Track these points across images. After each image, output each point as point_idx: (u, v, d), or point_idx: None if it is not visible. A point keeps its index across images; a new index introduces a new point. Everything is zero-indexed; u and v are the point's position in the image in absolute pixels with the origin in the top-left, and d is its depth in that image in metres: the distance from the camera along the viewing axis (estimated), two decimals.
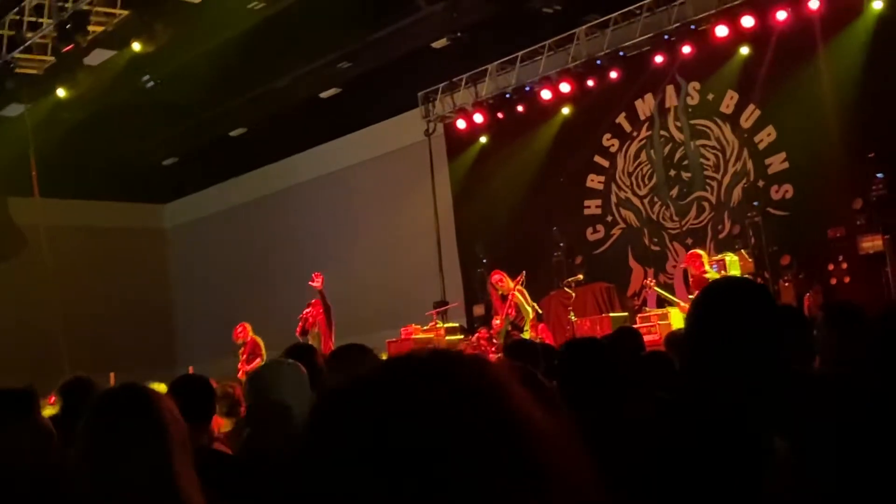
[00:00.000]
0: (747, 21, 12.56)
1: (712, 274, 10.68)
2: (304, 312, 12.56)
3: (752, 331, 2.13)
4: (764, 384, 2.08)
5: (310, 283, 12.24)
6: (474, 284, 15.61)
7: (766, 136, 13.11)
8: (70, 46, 11.69)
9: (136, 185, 20.85)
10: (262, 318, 18.13)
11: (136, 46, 11.30)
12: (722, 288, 2.37)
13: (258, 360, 13.02)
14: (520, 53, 15.29)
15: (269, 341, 12.65)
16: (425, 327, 13.74)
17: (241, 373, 12.31)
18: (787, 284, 11.49)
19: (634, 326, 9.95)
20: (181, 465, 2.14)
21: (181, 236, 23.43)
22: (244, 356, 13.35)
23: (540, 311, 12.06)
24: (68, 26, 11.44)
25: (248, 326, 13.49)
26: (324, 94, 17.88)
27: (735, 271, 11.08)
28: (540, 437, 0.90)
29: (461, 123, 16.18)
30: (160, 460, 2.11)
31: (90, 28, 11.52)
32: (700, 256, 11.10)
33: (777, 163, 12.98)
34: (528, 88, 15.11)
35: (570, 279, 12.84)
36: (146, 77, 15.27)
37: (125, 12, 11.47)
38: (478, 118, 15.87)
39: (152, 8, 11.05)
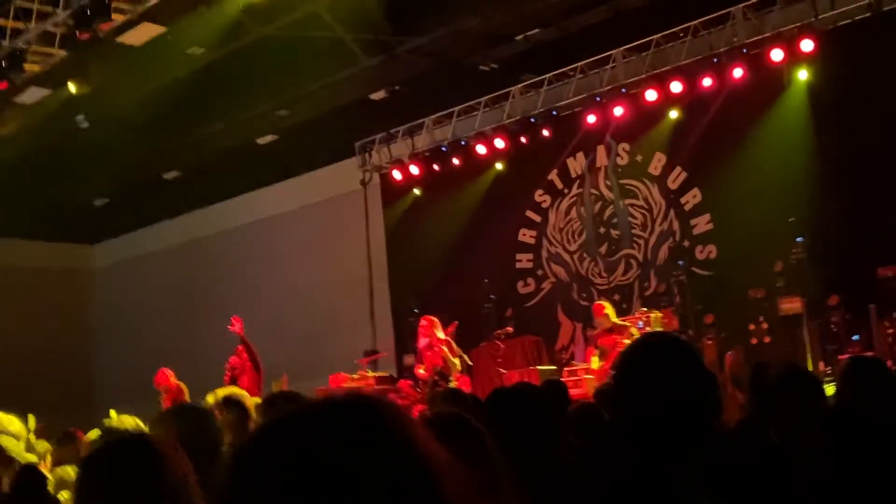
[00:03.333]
0: (676, 86, 13.02)
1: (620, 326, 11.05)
2: (231, 360, 12.47)
3: (680, 386, 2.20)
4: (689, 440, 2.16)
5: (229, 328, 12.15)
6: (405, 334, 15.62)
7: (692, 197, 13.53)
8: (4, 85, 11.54)
9: (65, 225, 20.47)
10: (188, 363, 17.85)
11: (72, 87, 11.19)
12: (652, 344, 2.40)
13: None
14: (456, 108, 15.57)
15: (195, 387, 12.47)
16: (354, 376, 13.69)
17: None
18: (709, 342, 11.78)
19: (562, 380, 10.09)
20: None
21: (109, 278, 22.99)
22: (166, 403, 13.13)
23: (470, 363, 12.13)
24: (3, 65, 11.32)
25: (170, 372, 13.31)
26: (260, 140, 17.89)
27: (658, 328, 11.35)
28: (441, 473, 0.97)
29: (397, 174, 16.33)
30: None
31: (26, 67, 11.41)
32: (603, 307, 11.36)
33: (702, 224, 13.40)
34: (463, 142, 15.36)
35: (499, 331, 12.96)
36: (80, 117, 15.11)
37: (62, 52, 11.39)
38: (414, 170, 16.04)
39: (90, 49, 10.99)
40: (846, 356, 9.23)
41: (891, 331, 10.12)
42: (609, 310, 11.32)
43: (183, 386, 13.24)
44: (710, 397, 2.31)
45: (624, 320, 11.60)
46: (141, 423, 4.26)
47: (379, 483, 0.92)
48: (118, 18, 10.90)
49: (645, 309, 12.32)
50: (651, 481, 2.09)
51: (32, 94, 13.37)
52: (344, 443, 0.94)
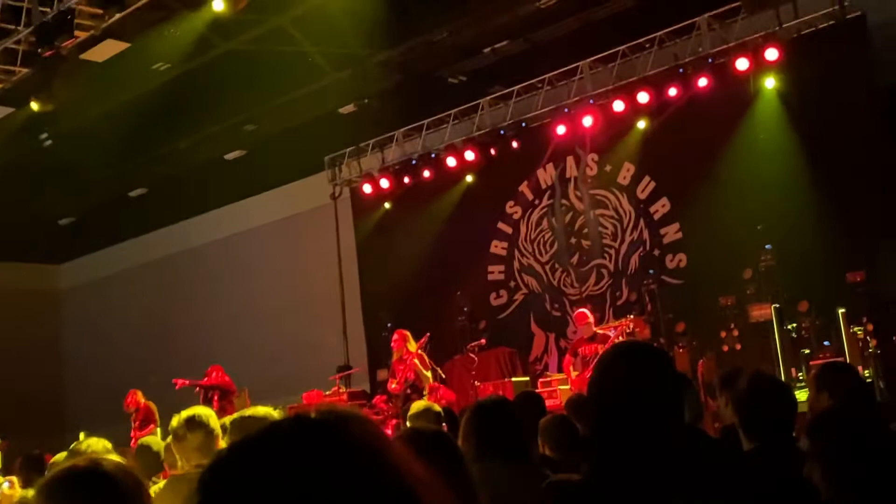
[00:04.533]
0: (643, 97, 13.10)
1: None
2: (204, 381, 12.54)
3: (656, 393, 2.18)
4: (668, 445, 2.14)
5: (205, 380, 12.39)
6: (378, 349, 15.54)
7: (661, 206, 13.60)
8: None
9: (29, 245, 20.19)
10: (158, 382, 17.63)
11: (35, 105, 11.03)
12: (627, 351, 2.37)
13: (151, 426, 12.70)
14: (426, 121, 15.56)
15: (165, 406, 12.32)
16: (328, 392, 13.59)
17: (133, 441, 11.96)
18: (681, 350, 11.82)
19: (536, 391, 10.06)
20: None
21: (76, 298, 22.70)
22: (136, 423, 13.01)
23: (443, 376, 12.08)
24: None
25: (139, 393, 13.21)
26: (228, 156, 17.77)
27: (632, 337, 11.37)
28: (421, 491, 0.94)
29: (367, 188, 16.28)
30: None
31: None
32: (587, 316, 11.39)
33: (671, 233, 13.46)
34: (433, 155, 15.35)
35: (473, 344, 12.93)
36: (44, 135, 14.93)
37: (25, 70, 11.23)
38: (384, 183, 16.00)
39: (53, 67, 10.83)
40: (818, 362, 9.29)
41: (861, 335, 10.19)
42: (591, 319, 11.35)
43: (152, 405, 13.13)
44: (683, 403, 2.31)
45: (606, 329, 11.59)
46: (109, 445, 4.17)
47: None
48: (81, 35, 10.74)
49: (632, 316, 12.27)
50: (628, 489, 2.07)
51: None
52: (314, 466, 0.91)
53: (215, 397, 12.55)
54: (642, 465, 2.09)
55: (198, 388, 12.83)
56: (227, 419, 4.50)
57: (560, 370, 13.52)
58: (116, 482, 1.96)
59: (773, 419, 3.36)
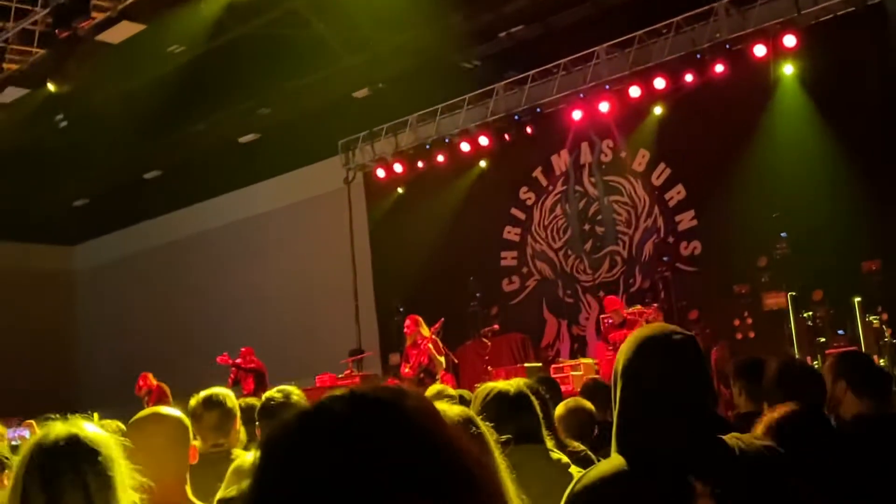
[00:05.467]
0: (659, 83, 13.01)
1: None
2: (237, 361, 12.65)
3: (688, 377, 2.16)
4: (695, 429, 2.12)
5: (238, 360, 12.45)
6: (390, 333, 15.57)
7: (676, 193, 13.54)
8: None
9: (44, 227, 20.28)
10: (172, 364, 17.73)
11: (51, 86, 11.06)
12: (655, 335, 2.28)
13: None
14: (440, 106, 15.51)
15: (179, 387, 12.38)
16: (340, 376, 13.62)
17: None
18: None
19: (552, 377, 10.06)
20: None
21: (90, 279, 22.81)
22: (150, 404, 13.08)
23: (455, 361, 12.09)
24: None
25: (150, 375, 13.29)
26: (242, 139, 17.79)
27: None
28: (472, 457, 0.95)
29: (381, 172, 16.27)
30: None
31: (4, 66, 11.27)
32: (616, 300, 11.43)
33: (686, 220, 13.41)
34: (447, 140, 15.32)
35: (486, 329, 12.93)
36: (60, 116, 14.96)
37: (41, 51, 11.26)
38: (397, 168, 15.98)
39: (69, 48, 10.87)
40: (833, 350, 9.26)
41: (876, 325, 10.14)
42: (621, 304, 11.36)
43: (165, 387, 13.20)
44: (710, 396, 2.28)
45: (634, 314, 11.50)
46: (123, 427, 4.18)
47: (423, 483, 0.89)
48: (97, 16, 10.77)
49: (656, 305, 12.18)
50: (659, 474, 2.06)
51: (10, 94, 13.22)
52: (375, 440, 0.91)
53: (251, 379, 12.62)
54: (674, 450, 2.09)
55: (235, 369, 12.84)
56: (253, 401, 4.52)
57: (572, 356, 13.53)
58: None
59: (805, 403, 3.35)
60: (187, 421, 3.02)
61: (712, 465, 2.07)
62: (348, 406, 0.94)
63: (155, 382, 13.30)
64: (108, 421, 4.32)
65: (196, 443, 3.11)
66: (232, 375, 12.80)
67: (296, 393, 4.05)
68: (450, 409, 2.16)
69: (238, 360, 12.81)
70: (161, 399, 13.09)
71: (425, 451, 0.91)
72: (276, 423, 0.97)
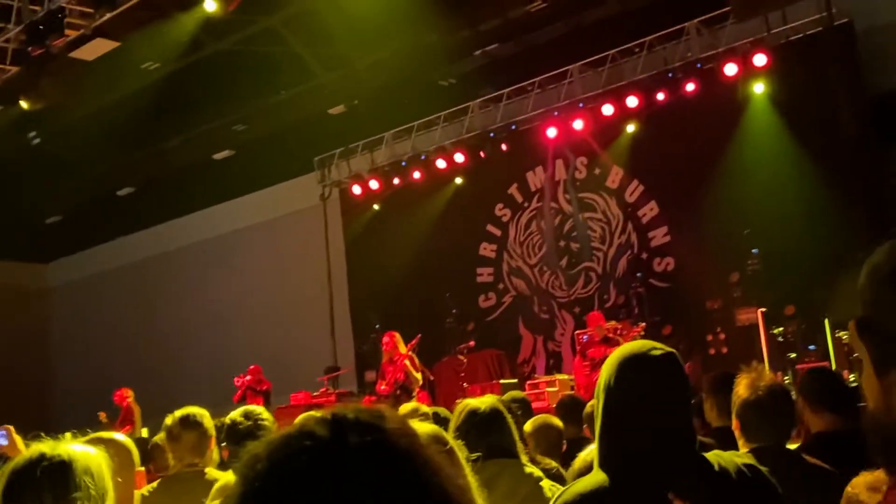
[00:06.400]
0: (632, 101, 13.15)
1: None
2: (245, 380, 12.59)
3: (669, 393, 2.19)
4: (675, 445, 2.15)
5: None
6: (366, 349, 15.55)
7: (649, 210, 13.66)
8: None
9: (17, 244, 20.09)
10: (146, 380, 17.59)
11: (24, 104, 11.00)
12: (636, 352, 2.28)
13: (129, 427, 12.69)
14: (415, 123, 15.58)
15: (155, 406, 12.31)
16: (316, 393, 13.57)
17: None
18: None
19: (524, 393, 10.09)
20: None
21: (63, 296, 22.61)
22: (117, 421, 13.02)
23: (431, 378, 12.09)
24: None
25: (128, 393, 13.22)
26: (217, 156, 17.75)
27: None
28: (448, 478, 0.95)
29: (357, 189, 16.28)
30: None
31: None
32: (601, 317, 11.45)
33: (659, 236, 13.52)
34: (423, 157, 15.36)
35: (461, 346, 12.95)
36: (33, 133, 14.87)
37: (14, 68, 11.21)
38: (373, 184, 16.01)
39: (42, 65, 10.81)
40: (804, 366, 9.36)
41: (846, 340, 10.25)
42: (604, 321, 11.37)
43: (136, 408, 13.10)
44: (691, 411, 2.29)
45: (612, 328, 11.47)
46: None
47: None
48: (71, 34, 10.74)
49: (643, 323, 12.05)
50: (641, 489, 2.09)
51: None
52: (358, 468, 0.90)
53: (260, 399, 12.55)
54: (654, 467, 2.12)
55: (242, 388, 12.76)
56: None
57: (547, 372, 13.58)
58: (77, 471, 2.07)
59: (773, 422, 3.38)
60: (132, 446, 3.00)
61: (692, 482, 2.11)
62: (330, 430, 0.93)
63: (127, 402, 13.22)
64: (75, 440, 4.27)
65: (141, 469, 3.08)
66: (239, 393, 12.74)
67: (265, 416, 3.98)
68: (420, 427, 2.19)
69: (248, 378, 12.75)
70: (127, 417, 12.99)
71: (406, 474, 0.92)
72: (258, 447, 0.95)
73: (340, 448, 0.91)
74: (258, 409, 4.04)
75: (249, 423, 3.89)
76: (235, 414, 3.99)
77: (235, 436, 3.85)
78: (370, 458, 0.91)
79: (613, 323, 11.86)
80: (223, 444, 3.96)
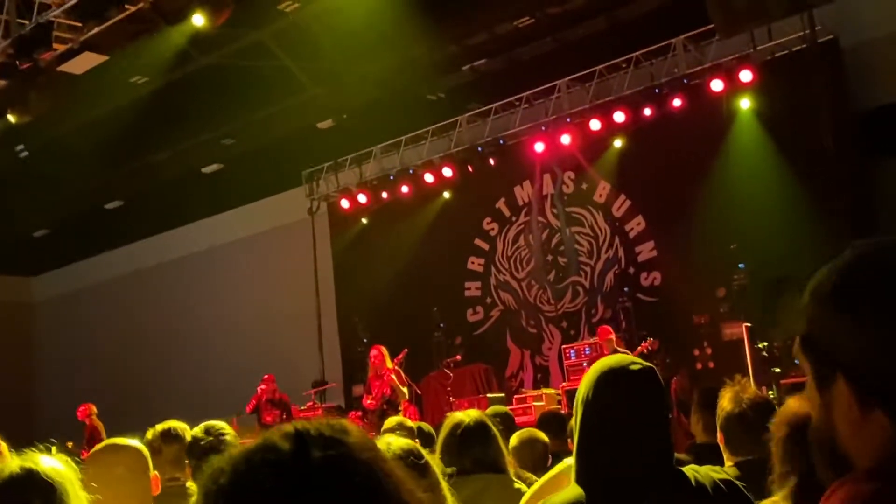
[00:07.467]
0: (619, 116, 13.23)
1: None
2: (260, 390, 12.49)
3: (645, 407, 2.20)
4: (651, 459, 2.16)
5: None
6: (354, 364, 15.52)
7: (636, 224, 13.72)
8: None
9: (3, 257, 20.00)
10: (132, 394, 17.51)
11: (11, 118, 10.97)
12: (614, 366, 2.28)
13: (94, 444, 12.60)
14: (404, 137, 15.61)
15: (140, 421, 12.22)
16: (303, 407, 13.54)
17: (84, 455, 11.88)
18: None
19: (511, 408, 10.09)
20: None
21: (49, 310, 22.50)
22: (84, 440, 12.91)
23: (419, 392, 12.08)
24: None
25: (91, 408, 13.12)
26: (205, 170, 17.73)
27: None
28: (409, 491, 0.96)
29: (345, 203, 16.30)
30: None
31: None
32: (609, 331, 11.36)
33: (646, 251, 13.57)
34: (411, 171, 15.39)
35: (448, 360, 12.95)
36: (20, 147, 14.84)
37: (1, 82, 11.18)
38: (361, 198, 16.02)
39: (30, 79, 10.79)
40: (789, 381, 9.39)
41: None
42: (613, 335, 11.29)
43: (99, 425, 12.97)
44: (668, 426, 2.30)
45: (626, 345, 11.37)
46: (72, 463, 4.12)
47: None
48: (60, 47, 10.72)
49: (652, 339, 11.62)
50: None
51: None
52: (319, 481, 0.91)
53: (276, 411, 12.48)
54: (630, 480, 2.12)
55: (257, 399, 12.67)
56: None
57: (535, 386, 13.58)
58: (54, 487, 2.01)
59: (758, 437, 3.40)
60: (146, 451, 3.01)
61: (669, 497, 2.12)
62: (292, 444, 0.94)
63: (90, 419, 13.11)
64: (60, 456, 4.25)
65: (156, 473, 3.10)
66: (253, 403, 12.66)
67: (227, 431, 3.92)
68: (396, 442, 2.20)
69: (262, 388, 12.68)
70: (93, 436, 12.86)
71: (367, 488, 0.92)
72: (221, 461, 0.96)
73: (303, 462, 0.92)
74: (220, 424, 3.96)
75: (210, 438, 3.83)
76: (197, 430, 3.92)
77: (196, 451, 3.79)
78: (332, 471, 0.92)
79: (649, 340, 11.63)
80: (187, 462, 3.89)
